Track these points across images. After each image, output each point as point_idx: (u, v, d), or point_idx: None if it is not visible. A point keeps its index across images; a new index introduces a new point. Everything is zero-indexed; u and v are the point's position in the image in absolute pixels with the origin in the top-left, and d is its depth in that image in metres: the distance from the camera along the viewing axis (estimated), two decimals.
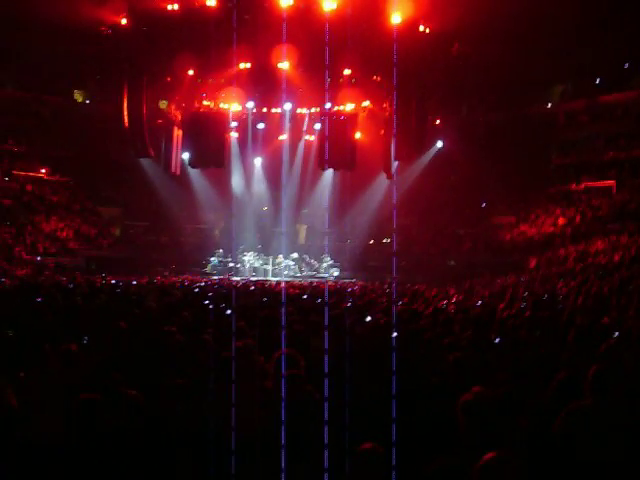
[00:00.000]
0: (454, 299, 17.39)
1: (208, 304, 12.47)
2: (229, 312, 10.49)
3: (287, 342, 6.09)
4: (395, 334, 6.96)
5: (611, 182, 36.30)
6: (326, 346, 7.33)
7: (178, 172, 36.88)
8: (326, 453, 4.42)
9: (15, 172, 38.81)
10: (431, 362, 6.27)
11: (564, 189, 37.70)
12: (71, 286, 18.69)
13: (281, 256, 35.62)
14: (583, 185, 37.25)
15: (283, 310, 9.95)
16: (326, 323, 9.16)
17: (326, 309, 11.52)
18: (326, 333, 8.00)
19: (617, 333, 9.22)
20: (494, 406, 3.91)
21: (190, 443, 5.03)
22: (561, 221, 34.78)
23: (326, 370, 5.93)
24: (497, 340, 8.14)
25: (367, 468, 4.03)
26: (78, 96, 40.29)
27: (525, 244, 33.77)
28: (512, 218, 37.31)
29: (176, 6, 28.93)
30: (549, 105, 40.47)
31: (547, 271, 27.40)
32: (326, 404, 4.77)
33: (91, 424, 4.78)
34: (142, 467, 4.78)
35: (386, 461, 4.06)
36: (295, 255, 35.83)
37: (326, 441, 4.53)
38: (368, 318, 9.95)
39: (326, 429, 4.58)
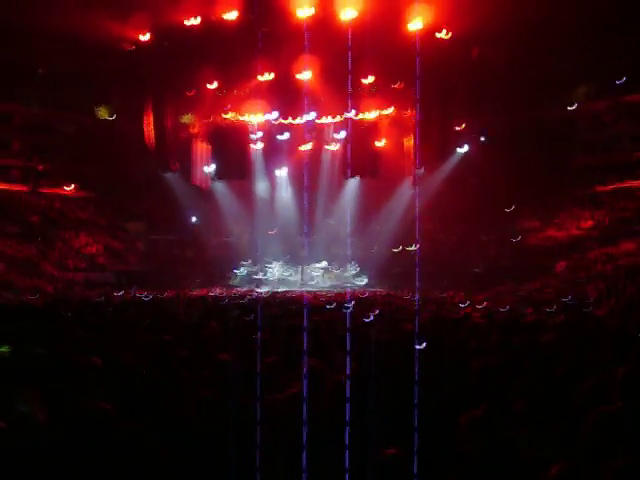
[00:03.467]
0: (481, 305, 17.29)
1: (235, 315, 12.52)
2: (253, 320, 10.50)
3: (313, 353, 6.06)
4: (419, 346, 6.90)
5: (638, 183, 35.85)
6: (348, 355, 7.32)
7: (203, 185, 36.99)
8: (347, 454, 4.46)
9: (41, 190, 39.33)
10: (456, 369, 6.23)
11: (590, 191, 37.25)
12: (102, 300, 18.86)
13: (309, 266, 35.67)
14: (609, 186, 36.81)
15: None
16: (349, 333, 9.14)
17: (347, 319, 11.49)
18: (348, 343, 8.00)
19: None
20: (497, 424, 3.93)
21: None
22: (588, 224, 34.43)
23: (348, 382, 5.93)
24: (519, 345, 8.05)
25: (389, 473, 4.05)
26: (102, 112, 40.64)
27: (551, 248, 33.43)
28: (537, 222, 36.96)
29: (197, 21, 29.22)
30: (574, 106, 39.93)
31: (575, 275, 27.19)
32: (348, 405, 4.79)
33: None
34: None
35: (407, 467, 4.07)
36: (322, 264, 35.83)
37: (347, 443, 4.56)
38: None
39: (347, 430, 4.61)
